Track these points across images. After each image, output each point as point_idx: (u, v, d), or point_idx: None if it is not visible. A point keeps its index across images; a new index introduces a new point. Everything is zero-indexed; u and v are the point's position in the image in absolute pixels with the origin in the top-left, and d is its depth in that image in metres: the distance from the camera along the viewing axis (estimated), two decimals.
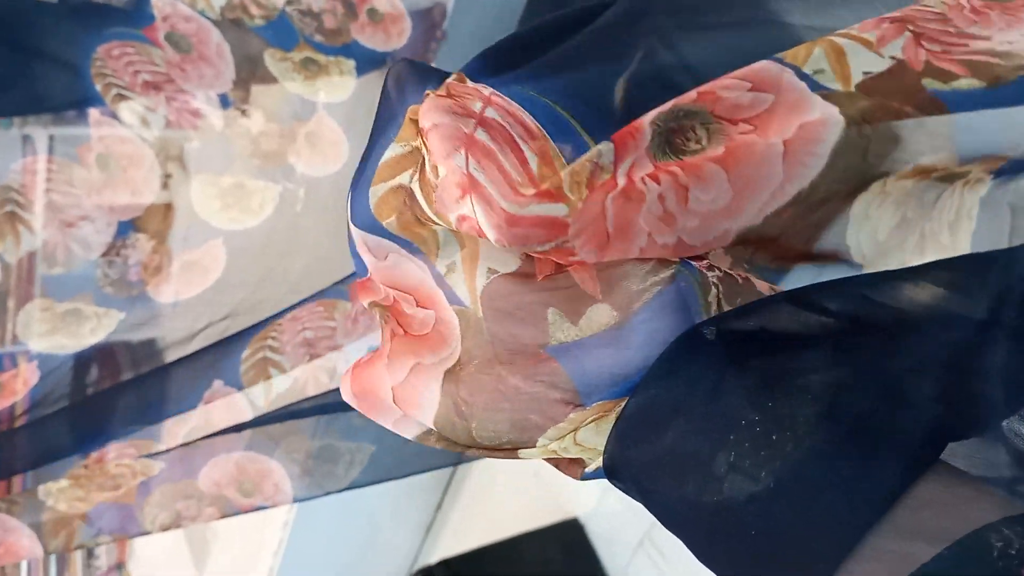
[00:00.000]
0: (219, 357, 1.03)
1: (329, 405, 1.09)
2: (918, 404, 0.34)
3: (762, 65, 0.37)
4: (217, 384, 1.04)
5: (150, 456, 1.06)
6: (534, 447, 0.39)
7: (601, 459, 0.39)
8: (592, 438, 0.38)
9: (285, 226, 1.10)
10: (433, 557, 2.24)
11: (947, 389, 0.34)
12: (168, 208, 1.04)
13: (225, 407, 1.03)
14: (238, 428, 1.06)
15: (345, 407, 1.13)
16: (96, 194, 0.99)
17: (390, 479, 1.20)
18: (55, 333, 1.04)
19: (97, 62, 0.96)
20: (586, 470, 0.40)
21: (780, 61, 0.37)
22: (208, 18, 0.97)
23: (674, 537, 0.39)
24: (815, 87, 0.37)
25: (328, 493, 1.15)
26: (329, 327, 1.06)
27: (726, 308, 0.38)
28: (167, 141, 1.01)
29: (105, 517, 1.06)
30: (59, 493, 1.04)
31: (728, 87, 0.36)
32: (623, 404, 0.38)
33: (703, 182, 0.36)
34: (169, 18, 0.96)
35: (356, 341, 1.05)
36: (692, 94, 0.36)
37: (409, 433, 0.41)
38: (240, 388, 1.03)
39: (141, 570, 1.80)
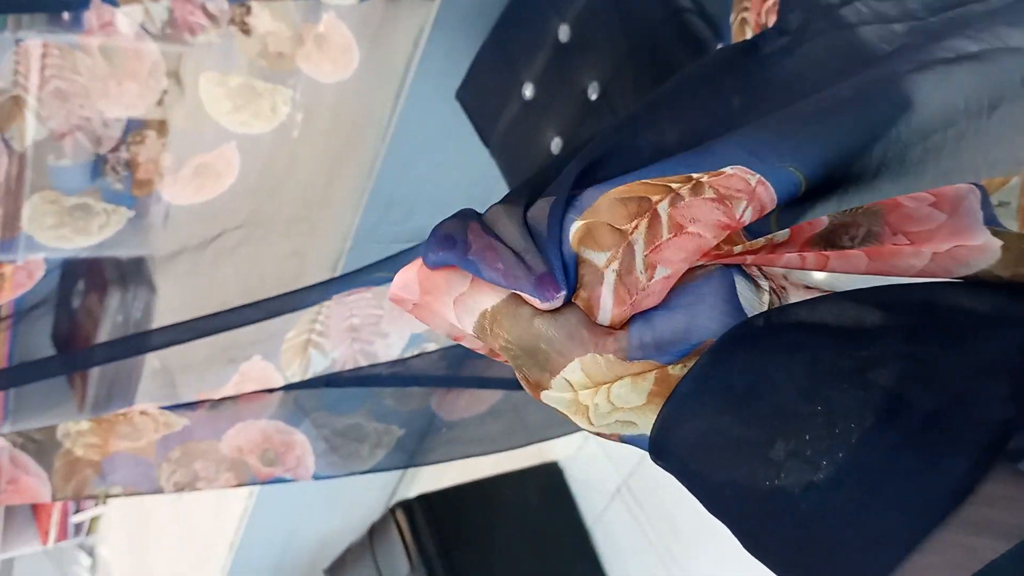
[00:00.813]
0: (263, 336, 1.02)
1: (366, 379, 1.09)
2: (989, 403, 0.34)
3: (956, 187, 0.38)
4: (256, 358, 1.04)
5: (174, 409, 1.05)
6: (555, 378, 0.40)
7: (631, 426, 0.41)
8: (628, 395, 0.40)
9: (295, 134, 1.11)
10: (411, 492, 2.27)
11: (1019, 389, 0.34)
12: (177, 104, 1.04)
13: (258, 379, 1.03)
14: (268, 390, 1.05)
15: (379, 383, 1.12)
16: (101, 84, 0.98)
17: (411, 466, 1.18)
18: (62, 227, 1.04)
19: None
20: (624, 434, 0.42)
21: (977, 184, 0.38)
22: None
23: (651, 486, 0.40)
24: (989, 220, 0.38)
25: (350, 473, 1.13)
26: (376, 315, 1.06)
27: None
28: (171, 35, 1.00)
29: (120, 469, 1.05)
30: (78, 436, 1.04)
31: (914, 198, 0.38)
32: (667, 372, 0.39)
33: (842, 259, 0.39)
34: None
35: (401, 328, 1.05)
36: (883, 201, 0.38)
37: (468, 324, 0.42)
38: (277, 366, 1.03)
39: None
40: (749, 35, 1.08)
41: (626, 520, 2.05)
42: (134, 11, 0.98)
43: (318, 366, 1.05)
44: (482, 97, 1.59)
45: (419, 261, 0.43)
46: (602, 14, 1.40)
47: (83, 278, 1.10)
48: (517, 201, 0.45)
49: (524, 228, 0.42)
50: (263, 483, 1.10)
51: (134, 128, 1.03)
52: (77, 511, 2.40)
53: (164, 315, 1.15)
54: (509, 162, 1.61)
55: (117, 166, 1.04)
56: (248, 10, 1.01)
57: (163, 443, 1.06)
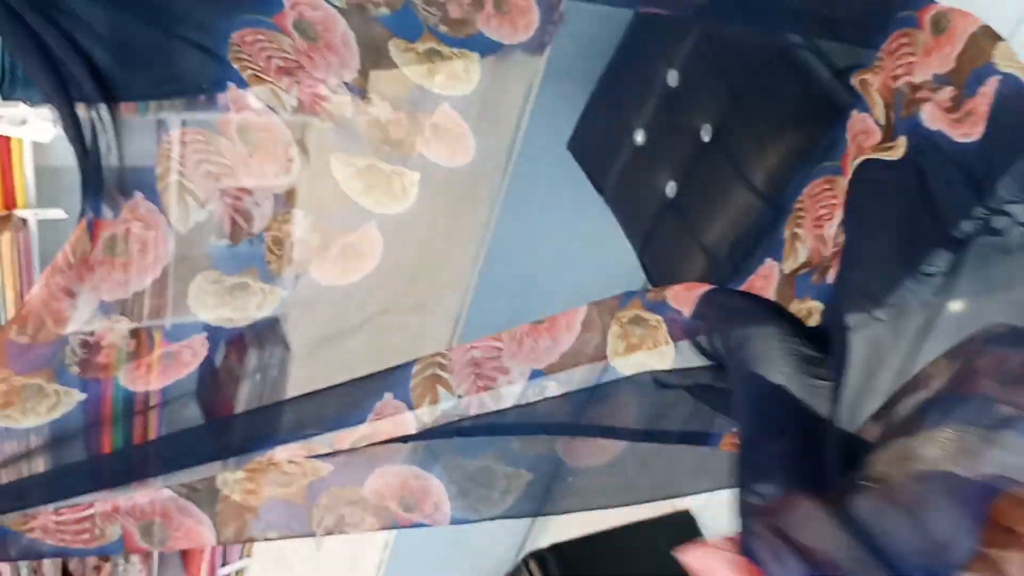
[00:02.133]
0: (392, 371, 1.07)
1: (493, 426, 1.11)
2: None
3: None
4: (388, 396, 1.08)
5: (318, 457, 1.11)
6: None
7: None
8: None
9: (429, 215, 1.17)
10: (542, 542, 2.29)
11: None
12: (314, 184, 1.11)
13: (392, 422, 1.08)
14: (403, 439, 1.10)
15: (505, 430, 1.17)
16: (244, 165, 1.06)
17: (540, 514, 1.20)
18: (223, 306, 1.12)
19: (233, 47, 1.01)
20: None
21: None
22: (334, 6, 1.02)
23: None
24: None
25: (484, 519, 1.16)
26: (496, 347, 1.09)
27: None
28: (300, 119, 1.07)
29: (274, 512, 1.13)
30: (235, 483, 1.12)
31: None
32: None
33: None
34: (297, 5, 1.01)
35: (521, 364, 1.07)
36: None
37: None
38: (409, 404, 1.07)
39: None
40: (801, 254, 1.10)
41: None
42: (262, 92, 1.04)
43: (446, 404, 1.09)
44: (593, 146, 1.62)
45: (732, 554, 0.45)
46: (710, 56, 1.41)
47: (235, 353, 1.18)
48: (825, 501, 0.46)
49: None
50: (404, 527, 1.15)
51: (281, 206, 1.10)
52: (224, 564, 2.53)
53: (298, 371, 1.24)
54: (624, 208, 1.63)
55: (272, 246, 1.12)
56: (369, 101, 1.08)
57: (311, 489, 1.12)
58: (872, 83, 0.98)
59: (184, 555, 2.06)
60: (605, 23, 1.50)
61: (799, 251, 1.09)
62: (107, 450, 1.15)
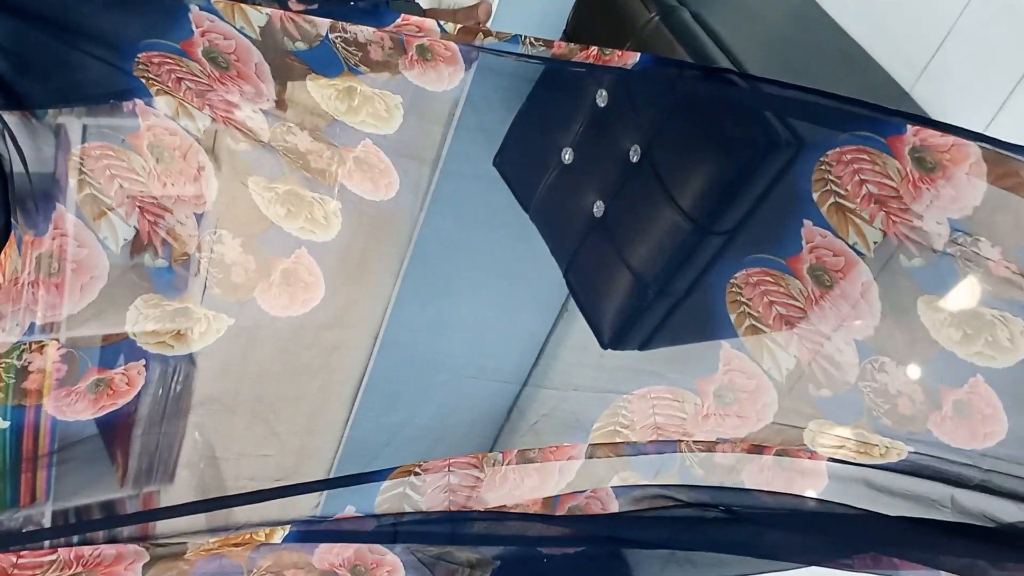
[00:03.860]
0: (359, 478, 1.09)
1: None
2: None
3: None
4: (350, 509, 1.09)
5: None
6: None
7: None
8: None
9: (358, 247, 1.18)
10: None
11: None
12: (233, 206, 1.10)
13: (352, 524, 1.08)
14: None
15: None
16: (159, 183, 1.05)
17: None
18: (164, 333, 1.10)
19: (140, 65, 0.99)
20: None
21: None
22: (248, 36, 1.00)
23: None
24: None
25: None
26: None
27: None
28: (214, 138, 1.05)
29: (210, 567, 1.10)
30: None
31: None
32: None
33: None
34: (207, 33, 1.00)
35: (499, 498, 1.09)
36: None
37: None
38: (373, 515, 1.08)
39: None
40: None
41: None
42: (172, 106, 1.03)
43: (412, 518, 1.10)
44: (520, 163, 1.61)
45: None
46: (641, 78, 1.41)
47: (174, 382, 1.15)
48: None
49: None
50: None
51: (207, 226, 1.09)
52: None
53: (204, 386, 1.20)
54: (550, 226, 1.63)
55: (211, 268, 1.10)
56: (288, 129, 1.06)
57: (257, 551, 1.10)
58: (848, 207, 0.98)
59: None
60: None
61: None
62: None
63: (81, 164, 1.01)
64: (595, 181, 1.52)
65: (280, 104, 1.05)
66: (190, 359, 1.18)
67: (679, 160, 1.38)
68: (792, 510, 1.04)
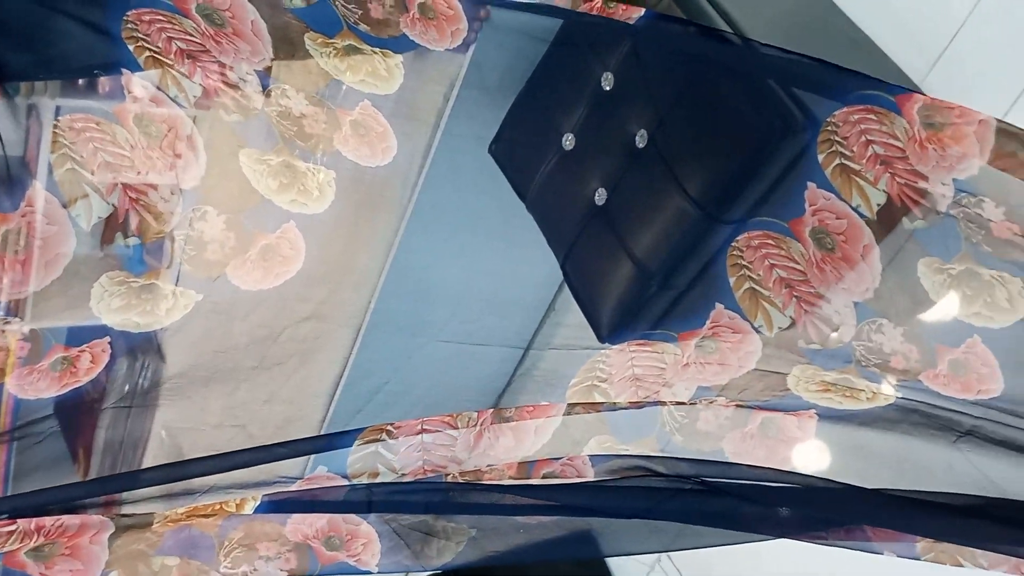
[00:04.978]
0: (331, 439, 1.08)
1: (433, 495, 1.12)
2: None
3: None
4: (322, 469, 1.08)
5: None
6: None
7: None
8: None
9: (349, 217, 1.17)
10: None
11: None
12: (223, 181, 1.09)
13: (324, 486, 1.07)
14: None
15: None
16: (145, 158, 1.03)
17: (487, 563, 1.19)
18: (129, 310, 1.08)
19: (128, 25, 0.98)
20: None
21: None
22: None
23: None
24: None
25: (421, 570, 1.18)
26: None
27: None
28: (206, 109, 1.03)
29: (180, 536, 1.10)
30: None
31: None
32: None
33: None
34: None
35: (477, 460, 1.10)
36: None
37: None
38: (345, 476, 1.08)
39: None
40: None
41: None
42: (161, 78, 1.02)
43: (386, 479, 1.10)
44: (518, 150, 1.59)
45: None
46: (650, 60, 1.39)
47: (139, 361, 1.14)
48: None
49: None
50: (325, 568, 1.14)
51: (190, 204, 1.08)
52: None
53: (172, 381, 1.18)
54: (548, 215, 1.60)
55: (185, 246, 1.09)
56: (282, 92, 1.03)
57: (228, 521, 1.11)
58: (853, 168, 0.99)
59: None
60: (536, 21, 1.48)
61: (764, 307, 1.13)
62: None
63: (63, 137, 1.00)
64: (597, 167, 1.50)
65: (275, 64, 1.02)
66: (158, 353, 1.17)
67: (688, 146, 1.36)
68: (770, 484, 1.06)
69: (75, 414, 1.13)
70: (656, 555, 1.99)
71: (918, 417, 0.98)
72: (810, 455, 1.07)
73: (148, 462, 1.16)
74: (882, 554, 1.01)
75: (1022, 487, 0.92)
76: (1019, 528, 0.91)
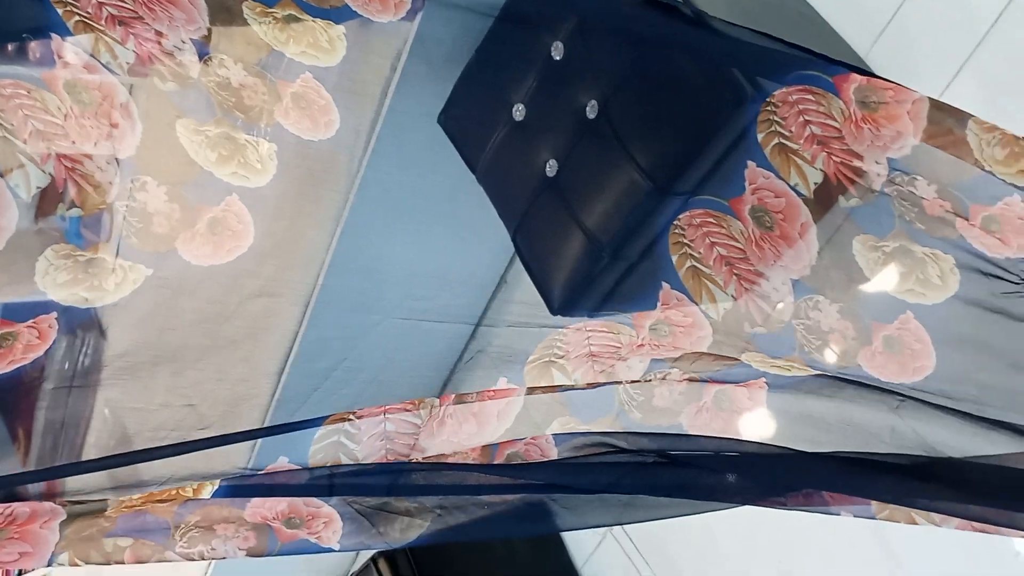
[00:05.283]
0: (292, 428, 1.07)
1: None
2: None
3: None
4: (283, 460, 1.08)
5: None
6: None
7: None
8: None
9: (293, 191, 1.16)
10: None
11: None
12: (159, 151, 1.06)
13: (285, 474, 1.07)
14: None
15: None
16: (77, 126, 1.00)
17: (454, 540, 1.19)
18: (76, 284, 1.05)
19: None
20: None
21: None
22: None
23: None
24: None
25: (382, 547, 1.17)
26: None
27: None
28: (141, 77, 1.00)
29: (134, 522, 1.09)
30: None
31: None
32: None
33: None
34: None
35: (439, 447, 1.10)
36: None
37: None
38: (306, 466, 1.08)
39: None
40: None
41: (618, 558, 2.06)
42: (92, 43, 0.98)
43: (347, 467, 1.10)
44: (467, 121, 1.57)
45: None
46: (599, 29, 1.37)
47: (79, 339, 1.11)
48: None
49: None
50: (285, 547, 1.14)
51: (128, 174, 1.05)
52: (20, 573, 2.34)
53: (118, 346, 1.16)
54: (498, 186, 1.59)
55: (130, 217, 1.07)
56: (219, 62, 1.00)
57: (184, 506, 1.10)
58: (791, 147, 0.99)
59: None
60: None
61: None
62: None
63: None
64: (548, 139, 1.49)
65: (213, 33, 0.99)
66: (99, 330, 1.15)
67: (639, 117, 1.36)
68: (728, 453, 1.08)
69: (13, 395, 1.11)
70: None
71: (861, 387, 1.00)
72: (763, 424, 1.10)
73: (91, 443, 1.14)
74: (839, 515, 1.03)
75: (959, 451, 0.95)
76: (961, 487, 0.94)
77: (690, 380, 1.10)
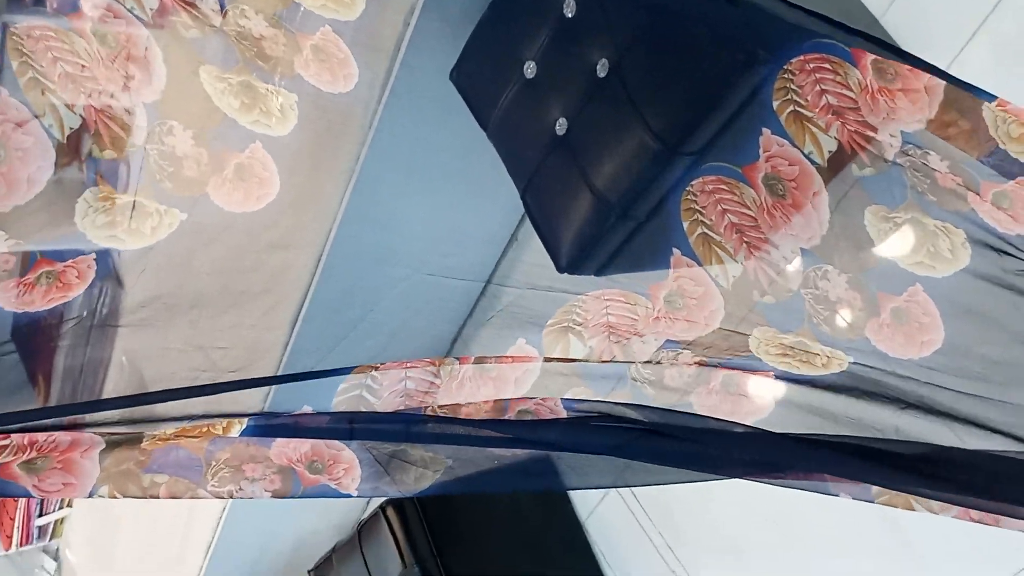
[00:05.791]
0: (318, 376, 1.09)
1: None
2: None
3: None
4: (306, 408, 1.09)
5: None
6: None
7: None
8: None
9: (312, 142, 1.17)
10: None
11: None
12: (184, 96, 1.08)
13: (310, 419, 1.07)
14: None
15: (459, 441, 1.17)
16: (105, 69, 1.02)
17: (465, 492, 1.22)
18: (114, 226, 1.07)
19: None
20: None
21: None
22: None
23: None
24: None
25: (397, 495, 1.20)
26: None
27: None
28: (163, 23, 1.00)
29: (168, 457, 1.11)
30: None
31: None
32: None
33: None
34: None
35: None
36: None
37: None
38: (329, 413, 1.10)
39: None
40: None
41: (621, 512, 2.11)
42: None
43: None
44: (479, 78, 1.57)
45: None
46: None
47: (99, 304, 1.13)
48: None
49: None
50: (308, 490, 1.16)
51: (154, 119, 1.07)
52: (41, 514, 2.38)
53: (136, 306, 1.19)
54: (509, 144, 1.60)
55: (160, 160, 1.08)
56: (240, 12, 1.00)
57: (214, 443, 1.12)
58: (806, 116, 0.99)
59: None
60: None
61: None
62: None
63: (22, 45, 0.97)
64: (559, 97, 1.49)
65: None
66: (117, 280, 1.17)
67: (650, 76, 1.36)
68: (735, 435, 1.09)
69: (33, 339, 1.14)
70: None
71: (870, 387, 1.01)
72: (770, 412, 1.11)
73: (108, 390, 1.17)
74: (838, 496, 1.04)
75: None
76: (963, 480, 0.95)
77: (700, 363, 1.12)
